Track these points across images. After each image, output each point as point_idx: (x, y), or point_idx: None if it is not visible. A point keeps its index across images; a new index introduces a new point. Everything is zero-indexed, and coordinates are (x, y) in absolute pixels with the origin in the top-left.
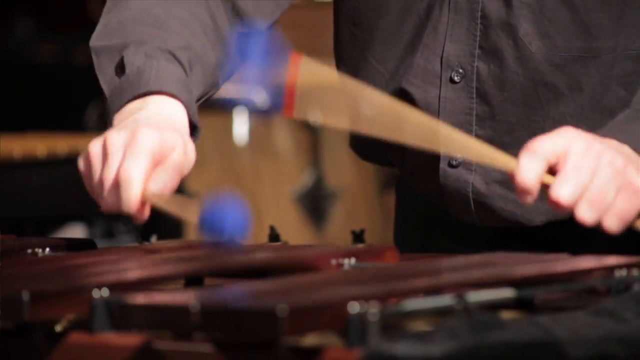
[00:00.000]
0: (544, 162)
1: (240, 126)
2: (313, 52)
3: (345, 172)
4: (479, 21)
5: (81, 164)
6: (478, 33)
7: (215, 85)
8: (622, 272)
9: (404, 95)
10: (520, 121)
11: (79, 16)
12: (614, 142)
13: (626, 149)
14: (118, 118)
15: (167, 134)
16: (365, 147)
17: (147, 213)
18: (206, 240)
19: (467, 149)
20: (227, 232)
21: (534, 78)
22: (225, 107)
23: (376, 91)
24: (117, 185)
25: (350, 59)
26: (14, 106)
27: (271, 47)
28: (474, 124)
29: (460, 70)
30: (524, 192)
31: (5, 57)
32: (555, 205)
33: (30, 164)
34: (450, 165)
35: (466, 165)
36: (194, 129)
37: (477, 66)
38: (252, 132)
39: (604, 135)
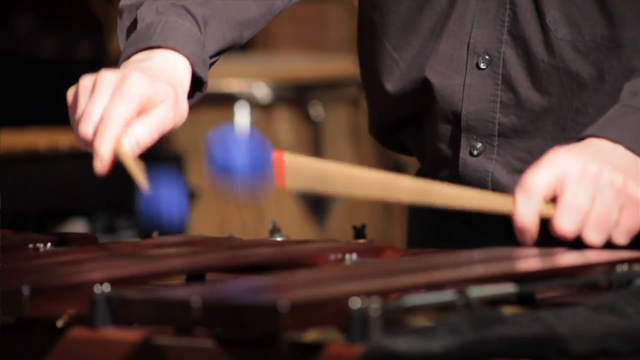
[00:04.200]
0: (540, 200)
1: (242, 120)
2: (314, 46)
3: None
4: (507, 7)
5: (70, 94)
6: (507, 19)
7: (239, 40)
8: (624, 267)
9: (423, 84)
10: (543, 110)
11: (80, 11)
12: (607, 146)
13: (619, 151)
14: (122, 65)
15: (160, 85)
16: (385, 134)
17: (108, 164)
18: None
19: (463, 199)
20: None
21: (557, 66)
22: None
23: (365, 170)
24: (96, 121)
25: (368, 46)
26: (15, 101)
27: (254, 153)
28: (497, 111)
29: (487, 57)
30: (523, 233)
31: (6, 52)
32: (561, 237)
33: (32, 159)
34: (471, 155)
35: (487, 154)
36: (201, 84)
37: (504, 52)
38: (253, 125)
39: (595, 133)
